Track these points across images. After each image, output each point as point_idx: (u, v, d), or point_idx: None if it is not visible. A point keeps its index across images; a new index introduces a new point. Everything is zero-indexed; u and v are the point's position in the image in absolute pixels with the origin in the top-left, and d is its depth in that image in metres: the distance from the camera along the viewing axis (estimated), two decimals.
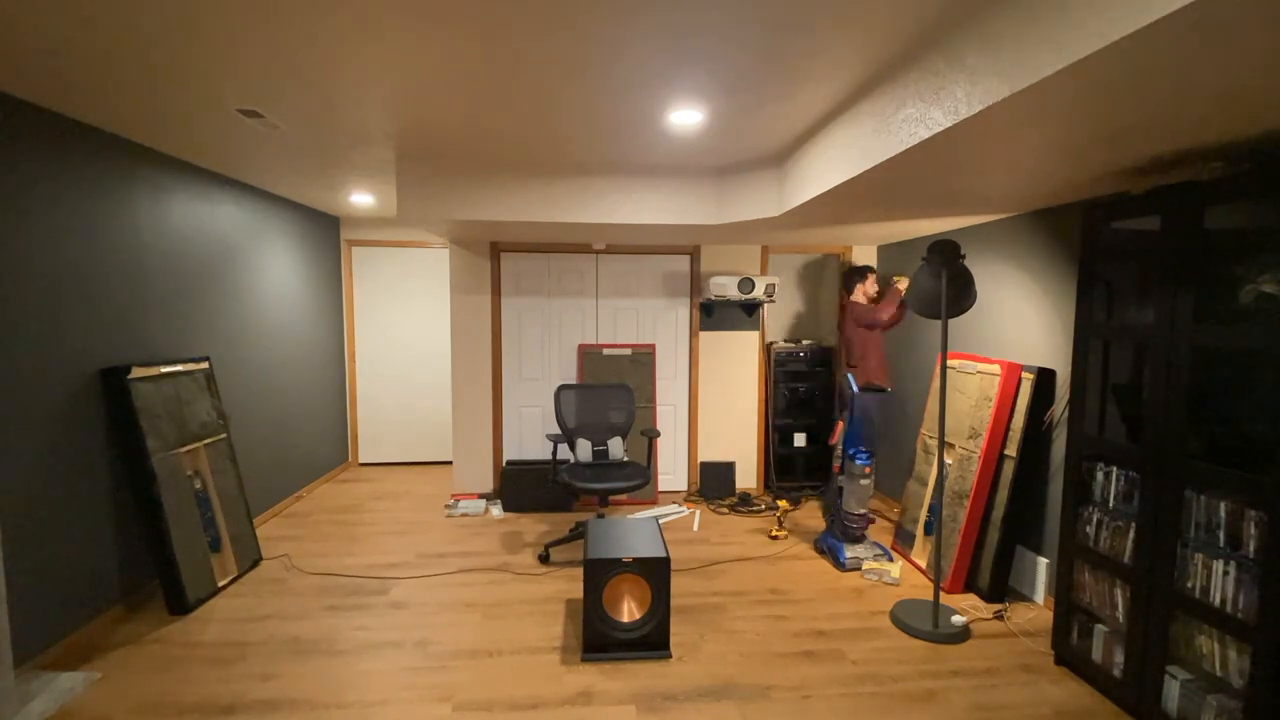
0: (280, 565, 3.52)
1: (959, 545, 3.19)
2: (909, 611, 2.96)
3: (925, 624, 2.84)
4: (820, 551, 3.77)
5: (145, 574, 3.08)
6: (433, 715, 2.26)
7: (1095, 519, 2.43)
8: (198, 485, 3.18)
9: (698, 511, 4.52)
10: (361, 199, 4.47)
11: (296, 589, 3.23)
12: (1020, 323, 3.30)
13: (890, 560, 3.48)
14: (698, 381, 4.89)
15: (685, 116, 2.61)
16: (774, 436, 4.90)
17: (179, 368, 3.22)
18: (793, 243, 4.74)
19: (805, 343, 4.92)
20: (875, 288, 4.26)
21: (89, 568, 2.74)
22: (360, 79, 2.24)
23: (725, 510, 4.54)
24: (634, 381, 4.75)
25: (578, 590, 3.24)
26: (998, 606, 3.08)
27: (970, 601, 3.14)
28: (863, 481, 3.52)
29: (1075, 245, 2.95)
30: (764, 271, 4.86)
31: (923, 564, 3.48)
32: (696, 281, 4.82)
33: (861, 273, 4.23)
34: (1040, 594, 3.09)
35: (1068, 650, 2.55)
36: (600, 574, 2.59)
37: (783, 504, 4.14)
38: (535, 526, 4.20)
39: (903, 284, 4.04)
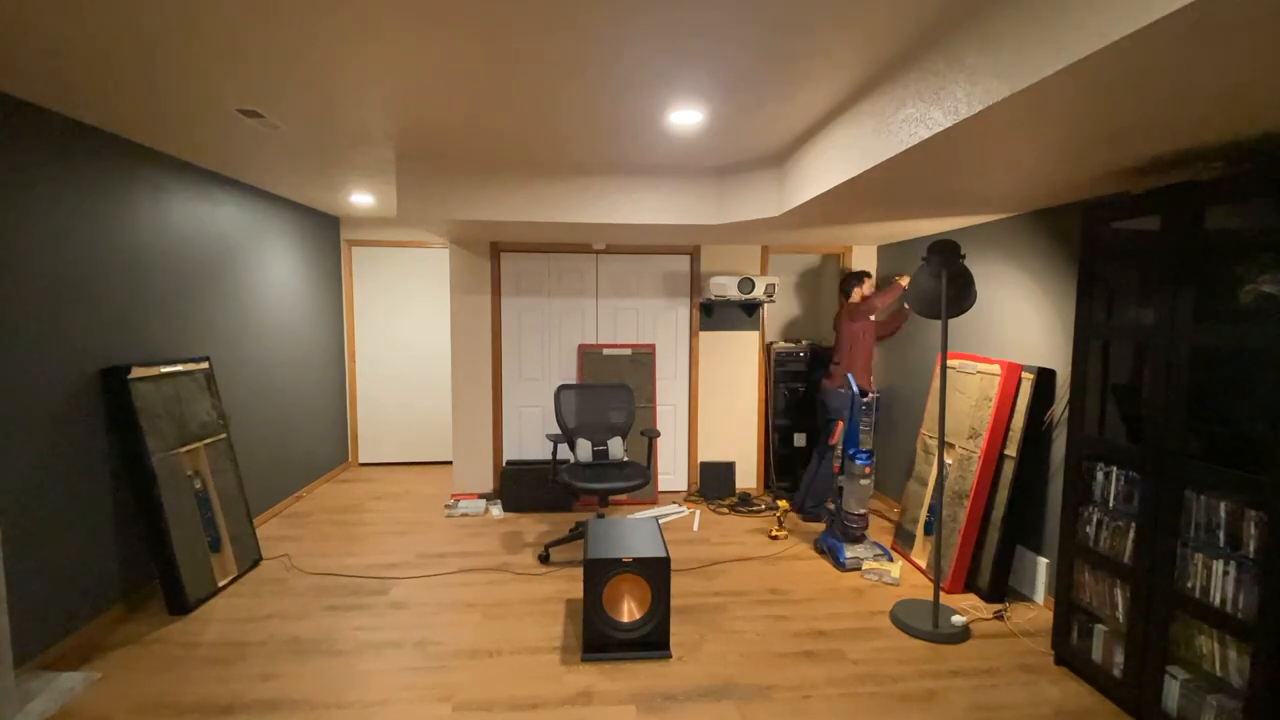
0: (280, 565, 3.52)
1: (959, 545, 3.19)
2: (909, 611, 2.96)
3: (925, 624, 2.84)
4: (820, 551, 3.77)
5: (145, 574, 3.08)
6: (433, 715, 2.26)
7: (1095, 519, 2.43)
8: (198, 485, 3.19)
9: (698, 511, 4.52)
10: (361, 199, 4.47)
11: (296, 589, 3.23)
12: (1020, 323, 3.30)
13: (890, 560, 3.48)
14: (698, 381, 4.89)
15: (685, 116, 2.61)
16: (774, 436, 4.90)
17: (179, 368, 3.22)
18: (793, 243, 4.74)
19: (805, 343, 4.92)
20: (872, 290, 4.26)
21: (89, 568, 2.74)
22: (360, 79, 2.24)
23: (725, 510, 4.54)
24: (634, 381, 4.75)
25: (578, 590, 3.24)
26: (998, 606, 3.08)
27: (970, 601, 3.14)
28: (863, 481, 3.52)
29: (1075, 245, 2.95)
30: (764, 271, 4.86)
31: (923, 564, 3.48)
32: (696, 281, 4.82)
33: (859, 277, 4.23)
34: (1040, 594, 3.09)
35: (1068, 650, 2.55)
36: (600, 574, 2.59)
37: (783, 504, 4.14)
38: (535, 526, 4.20)
39: (905, 280, 4.04)
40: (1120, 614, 2.31)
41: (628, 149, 3.16)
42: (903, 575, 3.43)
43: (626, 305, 4.82)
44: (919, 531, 3.57)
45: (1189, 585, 2.05)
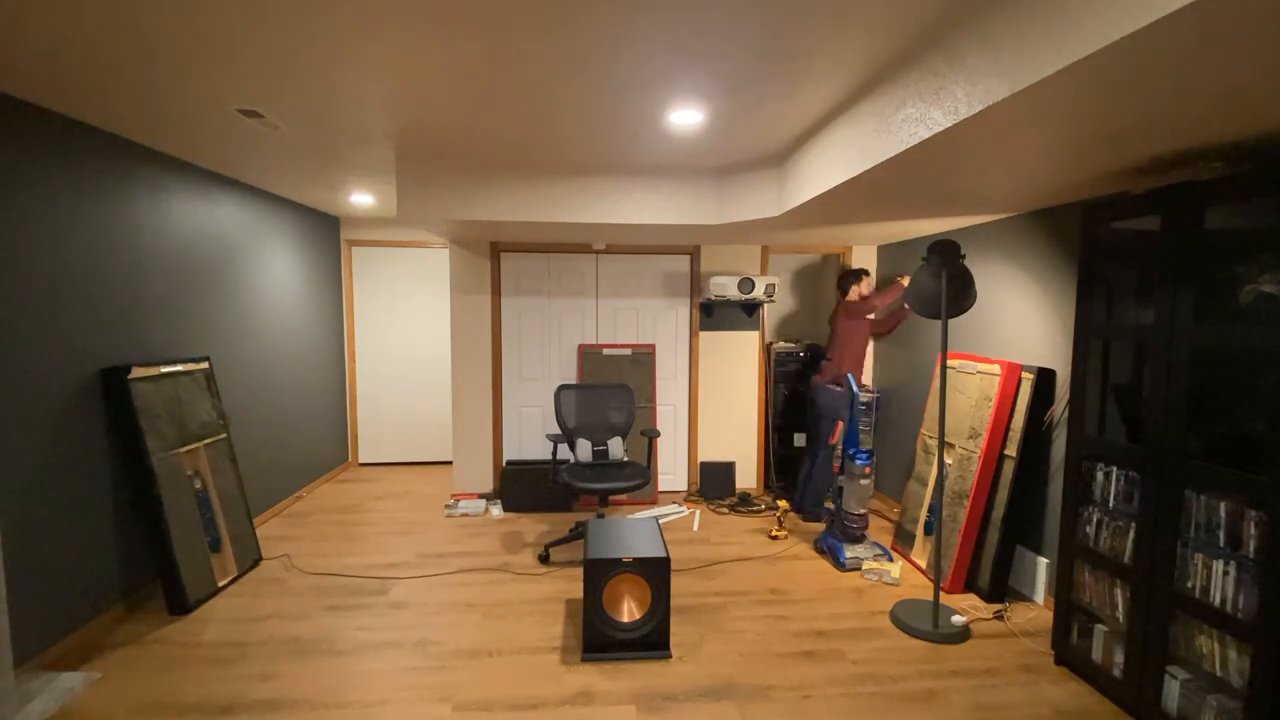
0: (280, 565, 3.52)
1: (959, 545, 3.19)
2: (909, 611, 2.96)
3: (925, 624, 2.84)
4: (820, 551, 3.77)
5: (145, 574, 3.08)
6: (433, 715, 2.26)
7: (1095, 519, 2.43)
8: (198, 485, 3.19)
9: (698, 511, 4.52)
10: (361, 199, 4.47)
11: (296, 589, 3.23)
12: (1020, 323, 3.30)
13: (890, 560, 3.48)
14: (698, 381, 4.89)
15: (685, 116, 2.61)
16: (774, 436, 4.90)
17: (179, 368, 3.22)
18: (793, 243, 4.74)
19: (805, 343, 4.92)
20: (869, 289, 4.26)
21: (89, 568, 2.74)
22: (360, 79, 2.24)
23: (725, 510, 4.54)
24: (634, 381, 4.75)
25: (578, 590, 3.24)
26: (998, 606, 3.08)
27: (970, 601, 3.14)
28: (863, 481, 3.52)
29: (1075, 245, 2.95)
30: (764, 271, 4.86)
31: (923, 564, 3.48)
32: (696, 281, 4.82)
33: (856, 275, 4.23)
34: (1040, 594, 3.09)
35: (1068, 650, 2.55)
36: (600, 574, 2.59)
37: (783, 504, 4.14)
38: (535, 526, 4.20)
39: (907, 279, 4.04)
40: (1120, 614, 2.31)
41: (628, 149, 3.16)
42: (903, 575, 3.43)
43: (626, 305, 4.82)
44: (919, 531, 3.57)
45: (1189, 585, 2.05)
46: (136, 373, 2.89)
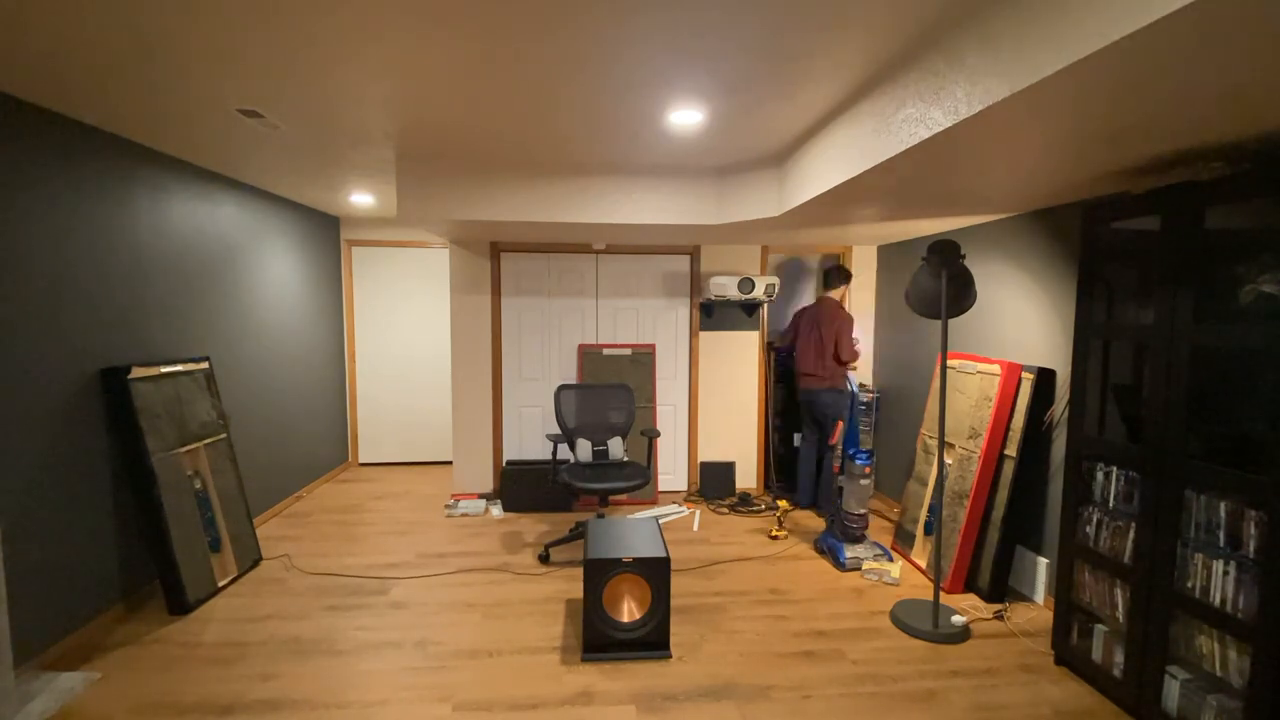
0: (280, 565, 3.52)
1: (959, 545, 3.19)
2: (909, 611, 2.96)
3: (925, 624, 2.84)
4: (820, 551, 3.77)
5: (145, 574, 3.08)
6: (433, 715, 2.26)
7: (1095, 519, 2.43)
8: (198, 485, 3.18)
9: (698, 511, 4.52)
10: (361, 199, 4.47)
11: (296, 589, 3.23)
12: (1020, 323, 3.30)
13: (890, 560, 3.48)
14: (698, 381, 4.89)
15: (685, 116, 2.61)
16: (774, 436, 4.90)
17: (179, 368, 3.22)
18: (793, 243, 4.74)
19: None
20: (844, 297, 4.37)
21: (89, 568, 2.74)
22: (360, 79, 2.24)
23: (725, 510, 4.54)
24: (634, 381, 4.75)
25: (578, 590, 3.24)
26: (998, 606, 3.08)
27: (970, 601, 3.14)
28: (863, 481, 3.52)
29: (1075, 245, 2.95)
30: (764, 271, 4.86)
31: (923, 564, 3.48)
32: (696, 281, 4.82)
33: (847, 276, 4.31)
34: (1040, 594, 3.09)
35: (1068, 650, 2.55)
36: (600, 574, 2.59)
37: (783, 504, 4.14)
38: (535, 526, 4.20)
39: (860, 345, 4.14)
40: (1120, 614, 2.31)
41: (628, 149, 3.16)
42: (903, 575, 3.43)
43: (626, 305, 4.82)
44: (919, 531, 3.57)
45: (1189, 585, 2.05)
46: (136, 373, 2.89)
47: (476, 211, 3.51)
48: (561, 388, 3.89)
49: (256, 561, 3.53)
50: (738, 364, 4.92)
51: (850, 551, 3.52)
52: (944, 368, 2.80)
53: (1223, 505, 1.96)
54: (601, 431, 3.98)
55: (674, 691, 2.41)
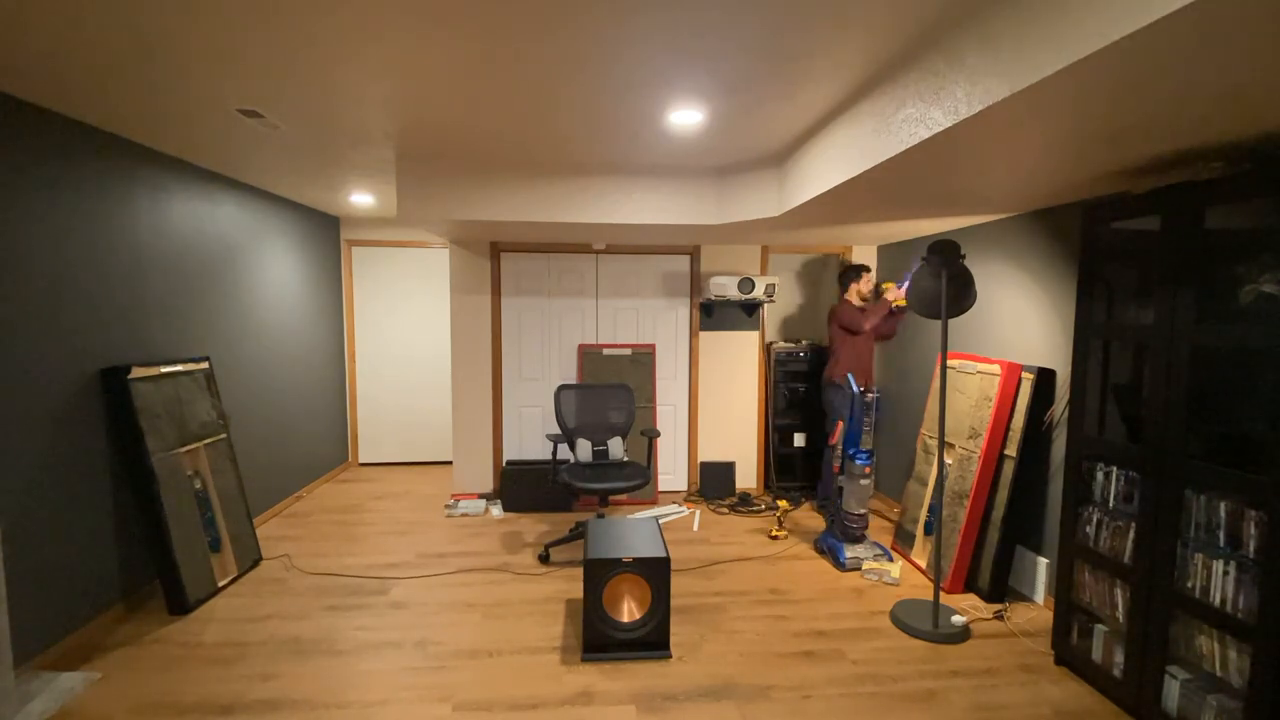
0: (280, 565, 3.52)
1: (959, 545, 3.19)
2: (909, 611, 2.96)
3: (925, 624, 2.84)
4: (820, 551, 3.77)
5: (145, 574, 3.08)
6: (433, 715, 2.26)
7: (1095, 519, 2.43)
8: (198, 485, 3.19)
9: (698, 511, 4.52)
10: (361, 199, 4.47)
11: (296, 589, 3.23)
12: (1020, 323, 3.30)
13: (890, 560, 3.48)
14: (698, 381, 4.89)
15: (685, 116, 2.61)
16: (774, 436, 4.90)
17: (179, 368, 3.22)
18: (793, 243, 4.74)
19: (805, 342, 4.92)
20: (869, 287, 4.25)
21: (89, 568, 2.74)
22: (360, 79, 2.24)
23: (725, 510, 4.54)
24: (634, 381, 4.75)
25: (578, 590, 3.24)
26: (998, 606, 3.08)
27: (970, 601, 3.14)
28: (863, 481, 3.52)
29: (1075, 245, 2.95)
30: (764, 271, 4.86)
31: (923, 564, 3.48)
32: (696, 281, 4.82)
33: (857, 271, 4.22)
34: (1040, 594, 3.09)
35: (1068, 650, 2.55)
36: (600, 574, 2.59)
37: (783, 504, 4.14)
38: (535, 526, 4.20)
39: (891, 293, 4.02)
40: (1120, 614, 2.31)
41: (628, 149, 3.16)
42: (903, 575, 3.43)
43: (626, 305, 4.82)
44: (919, 531, 3.57)
45: (1189, 585, 2.05)
46: (136, 373, 2.89)
47: (476, 211, 3.51)
48: (561, 388, 3.89)
49: (256, 561, 3.53)
50: (738, 364, 4.92)
51: (850, 551, 3.52)
52: (944, 367, 2.80)
53: (1223, 505, 1.96)
54: (601, 431, 3.98)
55: (674, 691, 2.41)
